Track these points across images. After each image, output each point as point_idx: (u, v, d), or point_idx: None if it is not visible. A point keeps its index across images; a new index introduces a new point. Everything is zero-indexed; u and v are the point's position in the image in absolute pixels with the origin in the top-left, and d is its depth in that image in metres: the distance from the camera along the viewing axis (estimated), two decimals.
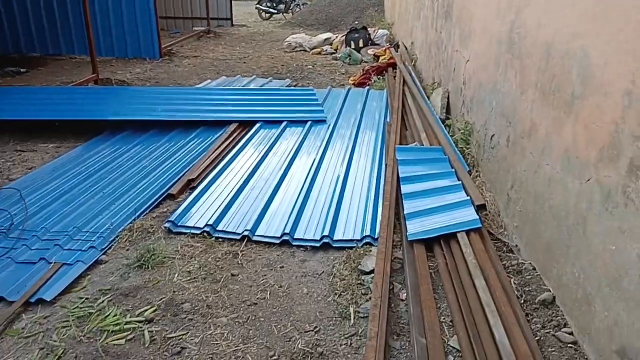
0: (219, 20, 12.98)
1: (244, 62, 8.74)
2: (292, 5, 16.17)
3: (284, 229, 3.13)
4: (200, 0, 12.51)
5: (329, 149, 4.51)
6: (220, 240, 3.08)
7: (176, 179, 3.97)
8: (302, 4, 16.23)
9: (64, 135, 4.93)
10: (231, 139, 4.81)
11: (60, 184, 3.88)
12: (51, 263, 2.88)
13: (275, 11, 16.16)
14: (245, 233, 3.10)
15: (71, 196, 3.69)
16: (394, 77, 6.77)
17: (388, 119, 5.14)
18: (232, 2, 13.34)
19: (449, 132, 4.47)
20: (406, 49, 8.04)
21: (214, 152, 4.45)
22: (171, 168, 4.17)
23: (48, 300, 2.57)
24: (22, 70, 7.51)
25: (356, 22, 13.24)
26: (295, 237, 3.10)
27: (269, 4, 16.14)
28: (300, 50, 9.77)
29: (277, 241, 3.07)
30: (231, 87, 6.46)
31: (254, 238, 3.10)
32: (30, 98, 5.59)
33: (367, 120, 5.27)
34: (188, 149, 4.61)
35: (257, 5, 16.22)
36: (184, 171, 4.11)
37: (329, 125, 5.11)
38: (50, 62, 8.36)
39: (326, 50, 9.46)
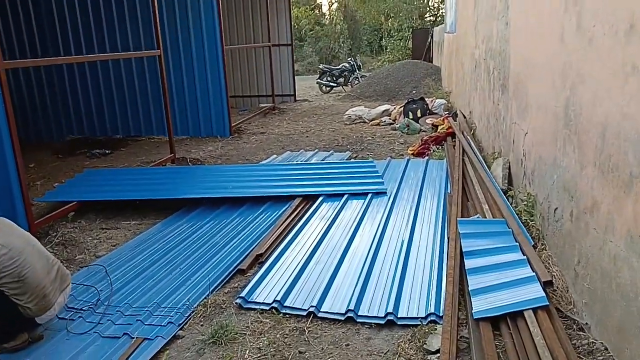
0: (283, 96, 13.81)
1: (307, 136, 9.19)
2: (351, 78, 16.92)
3: (348, 304, 3.22)
4: (265, 78, 13.42)
5: (390, 221, 4.61)
6: (288, 316, 3.21)
7: (246, 254, 4.20)
8: (361, 77, 16.93)
9: (145, 212, 5.38)
10: (296, 212, 5.04)
11: (142, 260, 4.22)
12: (133, 338, 3.11)
13: (335, 84, 16.95)
14: (311, 309, 3.21)
15: (151, 272, 3.99)
16: (454, 146, 6.87)
17: (449, 190, 5.21)
18: (295, 78, 14.18)
19: (511, 204, 4.46)
20: (464, 117, 8.16)
21: (280, 226, 4.68)
22: (241, 243, 4.41)
23: None
24: (107, 152, 8.32)
25: (414, 92, 13.62)
26: (359, 313, 3.17)
27: (329, 79, 16.99)
28: (360, 122, 10.14)
29: (342, 317, 3.16)
30: (295, 163, 6.80)
31: (320, 314, 3.20)
32: (115, 179, 6.18)
33: (427, 191, 5.37)
34: (256, 223, 4.87)
35: (318, 80, 17.12)
36: (253, 246, 4.34)
37: (390, 196, 5.24)
38: (131, 143, 9.19)
39: (385, 121, 9.76)
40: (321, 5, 33.25)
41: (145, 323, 3.26)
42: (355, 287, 3.42)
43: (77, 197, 5.39)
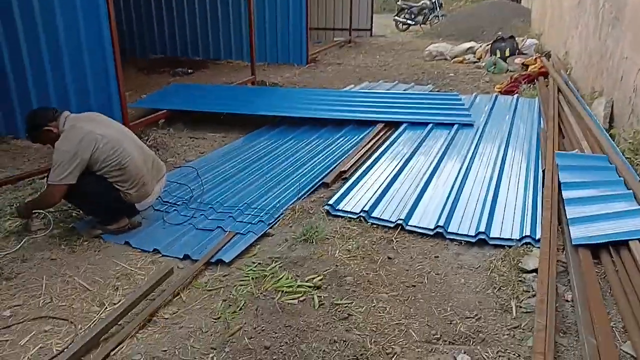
0: (359, 31, 13.38)
1: (385, 70, 8.94)
2: (430, 17, 16.11)
3: (437, 221, 3.19)
4: (343, 12, 13.02)
5: (479, 151, 4.46)
6: (375, 226, 3.23)
7: (329, 170, 4.23)
8: (442, 16, 16.08)
9: (228, 126, 5.50)
10: (378, 137, 4.98)
11: (229, 167, 4.35)
12: (226, 231, 3.25)
13: (413, 22, 16.21)
14: (399, 222, 3.21)
15: (239, 177, 4.12)
16: (546, 85, 6.46)
17: (542, 126, 4.94)
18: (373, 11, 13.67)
19: (613, 142, 4.17)
20: (558, 59, 7.61)
21: (362, 148, 4.65)
22: (324, 161, 4.44)
23: (226, 261, 2.90)
24: (189, 71, 8.50)
25: (499, 33, 12.78)
26: (449, 230, 3.14)
27: (407, 16, 16.25)
28: (441, 59, 9.72)
29: (431, 233, 3.14)
30: (376, 91, 6.66)
31: (407, 227, 3.19)
32: (199, 94, 6.32)
33: (518, 126, 5.11)
34: (338, 144, 4.87)
35: (395, 17, 16.42)
36: (335, 164, 4.35)
37: (477, 128, 5.04)
38: (211, 65, 9.32)
39: (469, 59, 9.30)
40: None
41: (237, 220, 3.39)
42: (444, 206, 3.37)
43: (166, 106, 5.58)
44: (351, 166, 4.24)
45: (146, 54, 9.92)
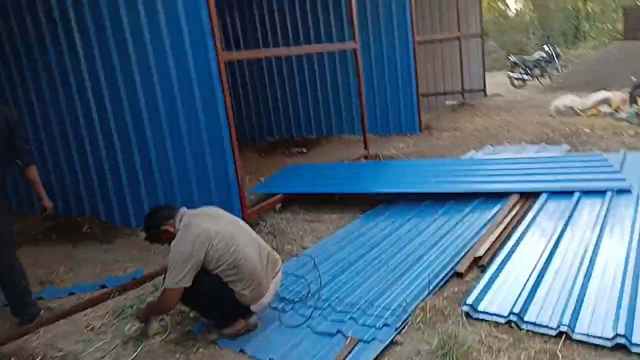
0: (472, 92, 12.80)
1: (508, 130, 8.25)
2: (548, 69, 15.07)
3: (615, 327, 2.49)
4: (453, 73, 12.61)
5: None
6: (531, 333, 2.61)
7: (460, 255, 3.69)
8: (562, 66, 14.97)
9: (344, 206, 5.23)
10: (514, 212, 4.34)
11: (347, 254, 4.00)
12: (348, 338, 2.84)
13: (530, 77, 15.24)
14: (563, 328, 2.56)
15: (357, 267, 3.74)
16: None
17: None
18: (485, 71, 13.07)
19: None
20: None
21: (497, 226, 4.05)
22: (452, 244, 3.91)
23: None
24: (304, 150, 8.58)
25: (633, 78, 11.46)
26: (633, 341, 2.42)
27: (522, 71, 15.38)
28: (571, 114, 8.78)
29: (609, 344, 2.44)
30: (503, 157, 6.03)
31: (575, 336, 2.53)
32: (315, 173, 6.20)
33: None
34: (466, 223, 4.32)
35: (509, 73, 15.62)
36: (467, 248, 3.80)
37: (638, 195, 4.20)
38: (324, 142, 9.34)
39: (604, 112, 8.28)
40: None
41: (358, 322, 2.97)
42: (619, 304, 2.67)
43: (282, 189, 5.49)
44: (487, 250, 3.67)
45: (264, 137, 10.29)
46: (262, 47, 9.63)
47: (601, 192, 4.36)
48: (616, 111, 8.15)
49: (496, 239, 3.84)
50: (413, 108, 8.88)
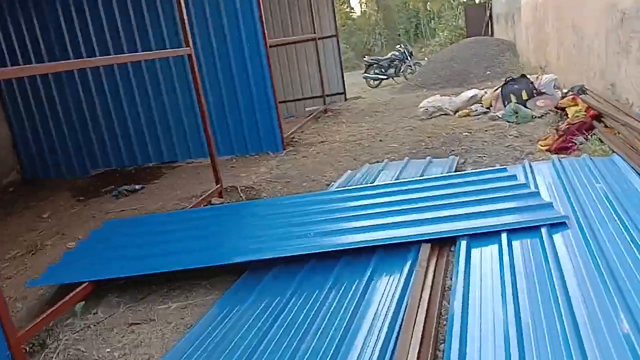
0: (332, 96, 11.80)
1: (381, 141, 7.21)
2: (402, 68, 14.84)
3: None
4: (310, 77, 11.51)
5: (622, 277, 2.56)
6: None
7: None
8: (415, 64, 14.83)
9: (189, 283, 3.54)
10: (431, 274, 3.06)
11: None
12: None
13: (385, 77, 14.91)
14: None
15: None
16: (615, 133, 4.77)
17: None
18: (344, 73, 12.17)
19: None
20: (596, 95, 6.02)
21: (416, 302, 2.72)
22: (365, 348, 2.48)
23: None
24: (136, 187, 6.58)
25: (488, 73, 11.45)
26: None
27: (377, 71, 14.97)
28: (441, 115, 8.08)
29: None
30: (390, 183, 4.81)
31: None
32: (141, 235, 4.36)
33: (633, 210, 3.27)
34: (369, 299, 2.94)
35: (365, 74, 15.11)
36: (390, 352, 2.41)
37: (575, 228, 3.20)
38: (166, 171, 7.45)
39: (477, 111, 7.68)
40: None
41: None
42: None
43: (87, 275, 3.52)
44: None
45: (86, 171, 8.01)
46: (73, 57, 7.42)
47: (534, 228, 3.29)
48: (489, 110, 7.59)
49: (423, 334, 2.49)
50: (272, 121, 7.42)
